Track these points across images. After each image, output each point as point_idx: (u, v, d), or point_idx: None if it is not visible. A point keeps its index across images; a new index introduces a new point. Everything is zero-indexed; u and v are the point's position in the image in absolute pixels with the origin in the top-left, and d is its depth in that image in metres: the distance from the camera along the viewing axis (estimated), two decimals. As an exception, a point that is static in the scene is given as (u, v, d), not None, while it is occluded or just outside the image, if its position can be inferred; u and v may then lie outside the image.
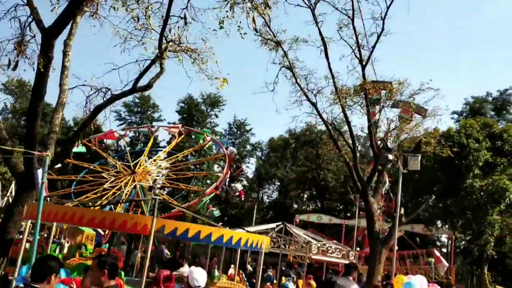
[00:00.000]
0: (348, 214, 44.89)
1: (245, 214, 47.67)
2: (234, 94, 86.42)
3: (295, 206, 50.90)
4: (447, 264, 28.10)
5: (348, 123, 17.00)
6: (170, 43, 10.02)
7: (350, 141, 17.32)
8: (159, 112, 54.21)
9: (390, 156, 13.61)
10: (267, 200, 56.36)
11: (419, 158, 12.99)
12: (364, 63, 16.61)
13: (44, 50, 7.86)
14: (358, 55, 16.68)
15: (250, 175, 56.69)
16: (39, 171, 6.24)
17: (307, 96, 17.61)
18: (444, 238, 46.24)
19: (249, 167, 55.77)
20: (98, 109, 9.75)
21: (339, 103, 16.89)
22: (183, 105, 51.17)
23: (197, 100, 51.40)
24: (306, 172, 47.55)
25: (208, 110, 52.46)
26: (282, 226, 14.46)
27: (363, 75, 16.54)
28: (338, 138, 18.35)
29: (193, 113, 50.19)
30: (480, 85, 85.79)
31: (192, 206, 23.59)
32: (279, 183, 55.23)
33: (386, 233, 16.50)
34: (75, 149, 24.24)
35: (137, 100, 52.38)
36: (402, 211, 16.28)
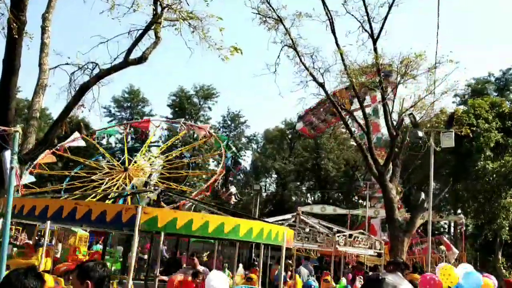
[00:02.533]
0: (350, 204, 43.72)
1: (243, 210, 46.35)
2: (227, 85, 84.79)
3: (294, 198, 49.63)
4: (457, 251, 27.00)
5: (360, 103, 15.64)
6: (166, 8, 8.54)
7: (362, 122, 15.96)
8: (150, 106, 52.57)
9: (420, 133, 12.27)
10: (265, 194, 55.02)
11: (453, 134, 11.66)
12: (375, 37, 15.24)
13: (16, 10, 6.37)
14: (368, 29, 15.31)
15: (247, 168, 55.32)
16: (7, 154, 4.75)
17: (313, 76, 16.19)
18: (444, 224, 45.26)
19: (245, 160, 54.39)
20: (85, 87, 8.27)
21: (348, 81, 15.54)
22: (174, 98, 49.53)
23: (189, 93, 49.78)
24: (305, 163, 46.28)
25: (201, 103, 50.86)
26: (296, 217, 13.06)
27: (375, 49, 15.17)
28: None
29: (185, 106, 48.55)
30: (481, 66, 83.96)
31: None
32: (276, 175, 53.89)
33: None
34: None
35: (126, 95, 50.66)
36: (423, 196, 14.97)
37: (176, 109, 48.73)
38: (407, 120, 15.22)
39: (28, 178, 21.40)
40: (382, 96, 15.09)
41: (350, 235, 11.18)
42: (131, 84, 51.23)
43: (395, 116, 15.88)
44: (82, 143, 24.51)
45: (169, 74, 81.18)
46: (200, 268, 9.47)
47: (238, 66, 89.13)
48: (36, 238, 26.99)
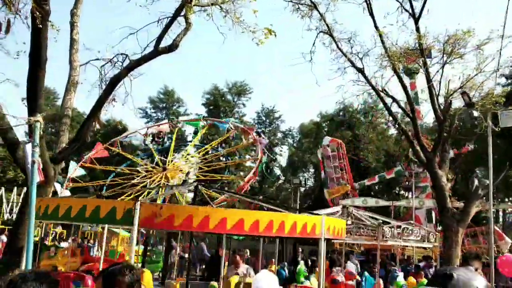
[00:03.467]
0: (391, 196, 42.39)
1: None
2: (261, 81, 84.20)
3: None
4: (510, 241, 25.49)
5: (404, 87, 14.72)
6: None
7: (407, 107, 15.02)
8: (185, 106, 52.74)
9: (475, 113, 11.34)
10: (303, 189, 54.22)
11: (512, 112, 10.67)
12: (416, 16, 14.30)
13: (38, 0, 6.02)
14: (408, 8, 14.39)
15: (283, 164, 54.70)
16: (28, 146, 4.34)
17: (351, 62, 15.38)
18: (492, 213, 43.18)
19: (282, 155, 53.72)
20: (116, 80, 7.89)
21: (390, 65, 14.66)
22: (208, 96, 49.43)
23: (222, 90, 49.57)
24: (343, 155, 45.17)
25: (235, 100, 50.56)
26: (343, 210, 12.37)
27: (417, 29, 14.22)
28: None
29: (220, 104, 48.37)
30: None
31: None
32: (314, 170, 52.99)
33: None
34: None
35: (161, 96, 51.03)
36: (477, 182, 13.93)
37: (211, 107, 48.67)
38: (455, 103, 14.25)
39: (78, 171, 21.65)
40: (427, 78, 14.14)
41: (399, 226, 10.40)
42: (166, 85, 51.63)
43: (441, 100, 14.90)
44: (105, 154, 24.63)
45: (202, 72, 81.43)
46: (244, 266, 8.93)
47: (271, 58, 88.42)
48: (80, 240, 27.31)
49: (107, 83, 8.16)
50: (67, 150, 7.65)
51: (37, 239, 22.93)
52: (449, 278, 5.08)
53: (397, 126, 15.90)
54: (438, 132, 14.31)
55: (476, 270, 6.11)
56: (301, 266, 15.00)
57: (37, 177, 4.27)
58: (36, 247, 19.90)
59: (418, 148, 14.44)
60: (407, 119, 16.98)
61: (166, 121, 35.99)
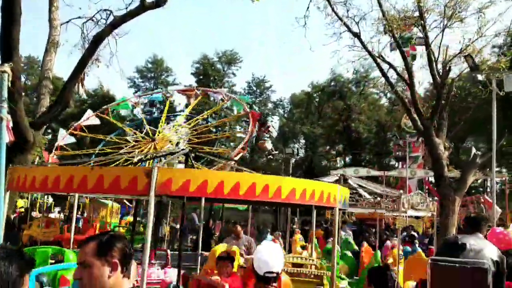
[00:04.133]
0: (382, 166, 42.34)
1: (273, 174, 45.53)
2: (252, 51, 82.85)
3: (324, 163, 48.51)
4: (500, 210, 25.56)
5: (402, 52, 14.19)
6: None
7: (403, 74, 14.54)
8: (174, 75, 51.71)
9: (480, 76, 10.90)
10: (294, 159, 54.03)
11: (517, 76, 10.24)
12: (416, -23, 13.66)
13: None
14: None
15: (274, 134, 54.28)
16: None
17: (347, 26, 14.78)
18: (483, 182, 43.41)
19: (272, 126, 53.27)
20: (99, 38, 7.28)
21: (387, 30, 14.10)
22: (198, 65, 48.44)
23: (212, 59, 48.54)
24: (335, 126, 44.89)
25: (225, 69, 49.62)
26: (341, 178, 12.02)
27: (416, -11, 13.62)
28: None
29: (209, 73, 47.44)
30: None
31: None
32: (305, 140, 52.73)
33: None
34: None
35: (149, 65, 49.92)
36: (474, 151, 13.63)
37: (200, 77, 47.75)
38: (454, 70, 13.78)
39: (68, 139, 20.94)
40: (426, 42, 13.62)
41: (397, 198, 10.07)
42: (155, 53, 50.41)
43: (439, 66, 14.42)
44: (97, 121, 23.93)
45: (192, 41, 79.84)
46: (244, 237, 8.53)
47: (262, 26, 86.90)
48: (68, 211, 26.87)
49: (90, 42, 7.54)
50: (48, 115, 7.10)
51: (22, 210, 22.39)
52: (462, 248, 4.65)
53: (393, 93, 15.42)
54: (436, 99, 13.89)
55: (485, 237, 5.68)
56: (298, 235, 14.79)
57: (6, 137, 3.74)
58: (23, 219, 19.44)
59: (415, 116, 14.04)
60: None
61: (159, 90, 35.17)
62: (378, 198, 10.67)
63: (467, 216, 5.73)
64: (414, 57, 14.40)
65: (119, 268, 2.17)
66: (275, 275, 3.22)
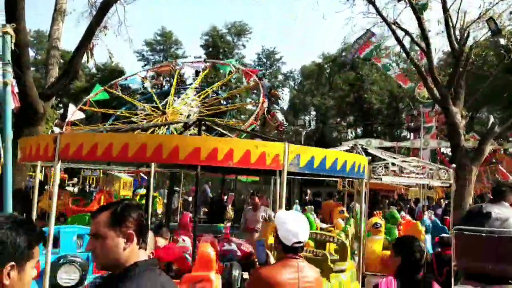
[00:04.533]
0: (394, 138, 41.91)
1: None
2: (261, 22, 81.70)
3: (335, 134, 48.16)
4: (515, 180, 25.21)
5: (418, 18, 13.71)
6: None
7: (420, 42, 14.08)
8: (183, 48, 51.16)
9: (502, 41, 10.51)
10: (304, 132, 53.71)
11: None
12: None
13: None
14: None
15: (284, 107, 53.91)
16: None
17: (361, -8, 14.34)
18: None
19: (283, 98, 52.83)
20: (106, 4, 7.03)
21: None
22: (207, 37, 47.80)
23: (221, 31, 47.83)
24: (346, 97, 44.34)
25: (235, 41, 48.93)
26: (355, 148, 11.79)
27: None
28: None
29: (219, 45, 46.81)
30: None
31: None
32: (316, 112, 52.28)
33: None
34: (95, 98, 21.95)
35: (158, 38, 49.39)
36: (492, 119, 13.31)
37: (210, 49, 47.16)
38: (473, 35, 13.31)
39: (77, 115, 20.88)
40: (444, 7, 13.13)
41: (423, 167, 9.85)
42: (163, 26, 49.81)
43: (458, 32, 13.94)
44: (105, 96, 23.79)
45: (201, 12, 78.79)
46: (263, 209, 8.42)
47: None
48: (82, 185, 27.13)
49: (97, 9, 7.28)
50: (57, 85, 6.94)
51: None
52: (487, 216, 4.44)
53: (409, 60, 14.99)
54: (454, 66, 13.48)
55: (511, 205, 5.50)
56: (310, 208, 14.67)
57: (11, 103, 3.57)
58: (38, 190, 19.62)
59: (431, 84, 13.67)
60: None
61: (166, 63, 34.83)
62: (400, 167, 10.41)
63: (494, 187, 5.53)
64: (425, 8, 13.81)
65: (135, 240, 2.02)
66: (302, 245, 3.08)
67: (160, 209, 20.20)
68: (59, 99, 49.89)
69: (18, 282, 1.73)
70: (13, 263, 1.69)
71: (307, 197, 22.39)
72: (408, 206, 17.99)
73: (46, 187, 23.29)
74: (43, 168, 24.26)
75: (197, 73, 26.88)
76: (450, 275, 5.68)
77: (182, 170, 16.23)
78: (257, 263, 3.27)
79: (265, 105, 24.39)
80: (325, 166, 4.41)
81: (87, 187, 27.31)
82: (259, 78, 25.60)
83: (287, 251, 3.02)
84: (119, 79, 25.86)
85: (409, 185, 25.06)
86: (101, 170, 25.60)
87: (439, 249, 6.44)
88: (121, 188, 25.23)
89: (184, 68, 28.78)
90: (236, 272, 4.81)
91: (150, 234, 2.66)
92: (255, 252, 3.30)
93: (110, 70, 48.42)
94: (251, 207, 8.82)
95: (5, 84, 3.47)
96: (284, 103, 52.94)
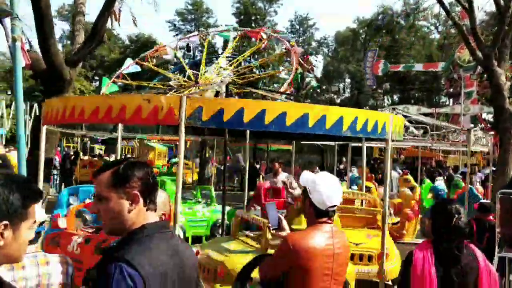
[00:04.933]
0: (432, 104, 40.58)
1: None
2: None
3: (371, 102, 47.05)
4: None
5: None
6: None
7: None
8: (214, 17, 50.64)
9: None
10: (339, 100, 52.71)
11: None
12: None
13: None
14: None
15: (318, 74, 52.93)
16: (6, 21, 3.36)
17: None
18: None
19: (316, 66, 51.82)
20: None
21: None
22: (238, 5, 47.05)
23: (252, -1, 46.95)
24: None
25: (266, 7, 47.97)
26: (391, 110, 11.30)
27: None
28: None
29: (250, 12, 46.04)
30: None
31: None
32: (350, 80, 51.13)
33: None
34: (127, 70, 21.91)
35: (189, 7, 49.00)
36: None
37: (242, 17, 46.49)
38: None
39: (110, 88, 21.04)
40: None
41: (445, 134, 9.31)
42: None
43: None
44: (137, 69, 23.76)
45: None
46: (283, 175, 8.26)
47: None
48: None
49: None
50: (83, 51, 6.83)
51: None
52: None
53: (450, 19, 14.16)
54: (498, 24, 12.62)
55: None
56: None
57: (22, 60, 3.42)
58: (73, 162, 20.04)
59: (473, 45, 12.88)
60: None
61: (196, 33, 34.48)
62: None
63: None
64: None
65: (141, 201, 1.83)
66: (335, 208, 2.83)
67: (190, 178, 20.29)
68: (94, 71, 50.76)
69: (13, 243, 1.58)
70: (6, 222, 1.54)
71: (341, 166, 22.01)
72: (447, 173, 17.41)
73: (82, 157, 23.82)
74: (78, 138, 24.80)
75: (188, 48, 26.26)
76: (490, 242, 5.37)
77: (215, 138, 16.19)
78: (270, 229, 3.00)
79: (299, 70, 23.82)
80: (342, 127, 4.10)
81: (123, 157, 27.80)
82: (291, 45, 24.98)
83: (320, 216, 2.79)
84: (150, 51, 25.75)
85: (448, 151, 24.29)
86: (136, 140, 25.95)
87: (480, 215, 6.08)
88: (156, 157, 25.57)
89: (213, 37, 28.43)
90: None
91: (164, 195, 2.49)
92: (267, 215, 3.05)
93: (143, 41, 48.61)
94: (271, 173, 8.72)
95: (14, 40, 3.32)
96: (318, 71, 51.96)
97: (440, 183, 12.02)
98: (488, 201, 7.75)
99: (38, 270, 2.42)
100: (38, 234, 2.64)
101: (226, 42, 26.77)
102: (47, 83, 6.64)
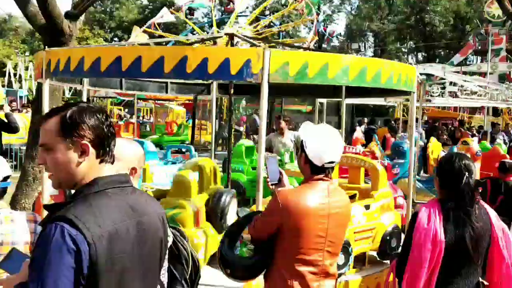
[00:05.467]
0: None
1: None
2: None
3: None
4: None
5: None
6: None
7: None
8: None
9: None
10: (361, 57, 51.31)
11: None
12: None
13: None
14: None
15: (342, 33, 51.54)
16: None
17: None
18: None
19: (338, 24, 50.32)
20: None
21: None
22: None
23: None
24: (407, 20, 41.49)
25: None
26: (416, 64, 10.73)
27: None
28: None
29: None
30: None
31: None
32: (374, 38, 49.63)
33: None
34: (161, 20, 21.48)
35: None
36: None
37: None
38: None
39: (141, 37, 20.67)
40: None
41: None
42: None
43: None
44: (171, 18, 23.26)
45: None
46: (291, 133, 7.83)
47: None
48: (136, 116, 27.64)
49: None
50: (82, 4, 6.53)
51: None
52: None
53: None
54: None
55: None
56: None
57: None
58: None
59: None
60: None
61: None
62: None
63: None
64: None
65: (93, 152, 1.58)
66: (333, 165, 2.54)
67: (203, 139, 20.14)
68: (112, 33, 50.42)
69: None
70: None
71: (362, 126, 21.53)
72: (470, 133, 16.83)
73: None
74: (97, 99, 24.80)
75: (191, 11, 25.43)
76: (503, 205, 5.09)
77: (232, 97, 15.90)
78: (269, 184, 2.74)
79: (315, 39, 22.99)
80: (365, 77, 3.75)
81: (141, 118, 27.90)
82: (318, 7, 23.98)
83: (317, 173, 2.51)
84: (155, 18, 25.03)
85: (473, 110, 23.51)
86: (154, 102, 25.86)
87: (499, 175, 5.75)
88: (174, 119, 25.48)
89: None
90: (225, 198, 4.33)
91: (138, 148, 2.24)
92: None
93: (161, 0, 47.86)
94: (277, 132, 8.28)
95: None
96: (341, 29, 50.55)
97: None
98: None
99: (1, 227, 2.26)
100: (4, 190, 2.46)
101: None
102: (48, 38, 6.42)
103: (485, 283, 2.62)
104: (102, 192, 1.56)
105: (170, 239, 2.31)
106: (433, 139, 10.55)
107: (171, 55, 3.49)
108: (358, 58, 4.23)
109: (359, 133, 13.64)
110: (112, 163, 1.67)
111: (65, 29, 6.30)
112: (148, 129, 24.28)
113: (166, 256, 2.32)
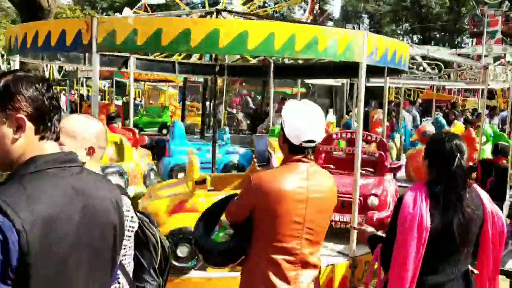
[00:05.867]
0: (454, 45, 38.86)
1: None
2: None
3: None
4: None
5: None
6: None
7: None
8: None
9: None
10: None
11: None
12: None
13: None
14: None
15: (336, 15, 50.98)
16: None
17: None
18: None
19: (333, 5, 49.75)
20: None
21: None
22: None
23: None
24: (402, 1, 41.00)
25: None
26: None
27: None
28: None
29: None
30: None
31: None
32: (369, 20, 49.15)
33: None
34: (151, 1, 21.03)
35: None
36: None
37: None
38: None
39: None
40: None
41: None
42: None
43: None
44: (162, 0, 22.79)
45: None
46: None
47: None
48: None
49: None
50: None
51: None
52: None
53: None
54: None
55: None
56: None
57: None
58: (77, 104, 19.84)
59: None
60: None
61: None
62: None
63: None
64: None
65: (31, 126, 1.38)
66: (313, 144, 2.33)
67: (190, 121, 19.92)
68: (104, 13, 49.61)
69: None
70: None
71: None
72: (464, 116, 16.72)
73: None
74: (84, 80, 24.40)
75: None
76: (494, 187, 4.97)
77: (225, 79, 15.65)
78: (256, 164, 2.57)
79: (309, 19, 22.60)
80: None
81: (132, 100, 27.48)
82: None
83: (294, 152, 2.32)
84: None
85: (467, 91, 23.40)
86: (145, 83, 25.49)
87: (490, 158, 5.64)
88: (166, 101, 25.18)
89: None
90: None
91: (99, 125, 2.04)
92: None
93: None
94: (278, 113, 8.13)
95: None
96: (336, 11, 49.99)
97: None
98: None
99: None
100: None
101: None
102: (25, 13, 6.17)
103: (475, 271, 2.46)
104: (40, 172, 1.37)
105: (135, 225, 2.14)
106: (458, 123, 10.44)
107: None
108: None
109: (380, 114, 12.85)
110: (56, 140, 1.47)
111: (43, 4, 6.06)
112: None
113: (131, 244, 2.15)
